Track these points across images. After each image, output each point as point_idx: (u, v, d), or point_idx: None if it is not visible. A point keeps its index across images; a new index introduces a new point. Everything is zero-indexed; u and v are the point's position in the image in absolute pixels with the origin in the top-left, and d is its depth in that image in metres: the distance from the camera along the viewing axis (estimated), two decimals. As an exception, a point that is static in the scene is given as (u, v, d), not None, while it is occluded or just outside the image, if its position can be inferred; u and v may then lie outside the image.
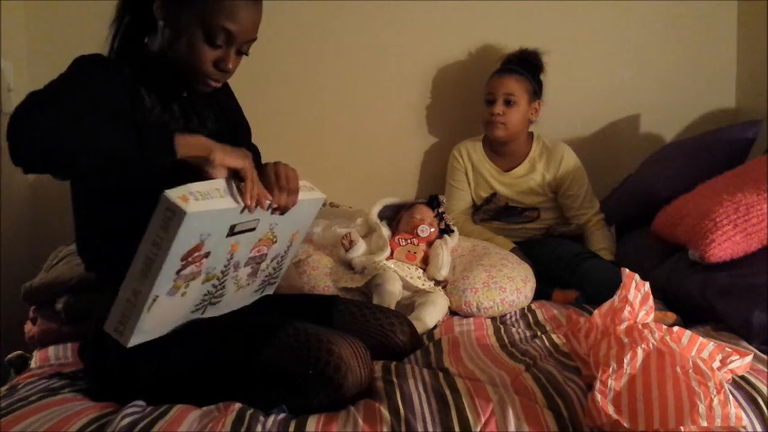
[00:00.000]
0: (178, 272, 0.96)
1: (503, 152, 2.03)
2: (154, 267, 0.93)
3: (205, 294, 1.07)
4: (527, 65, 1.96)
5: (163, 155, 0.96)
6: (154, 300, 0.96)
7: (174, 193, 0.90)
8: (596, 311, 1.13)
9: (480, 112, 2.00)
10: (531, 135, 2.03)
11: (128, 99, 1.09)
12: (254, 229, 1.05)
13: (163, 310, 1.00)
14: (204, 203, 0.93)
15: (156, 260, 0.93)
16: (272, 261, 1.19)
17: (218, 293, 1.10)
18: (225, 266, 1.06)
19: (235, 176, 1.00)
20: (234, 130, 1.32)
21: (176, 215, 0.89)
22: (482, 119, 1.99)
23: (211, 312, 1.13)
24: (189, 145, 0.98)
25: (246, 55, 1.15)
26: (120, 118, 0.99)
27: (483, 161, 2.03)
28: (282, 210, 1.07)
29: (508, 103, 1.93)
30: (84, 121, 0.93)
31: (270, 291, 1.28)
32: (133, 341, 0.99)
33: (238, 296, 1.17)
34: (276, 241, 1.14)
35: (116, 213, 1.10)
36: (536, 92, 1.98)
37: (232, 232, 1.00)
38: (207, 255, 0.99)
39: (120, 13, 1.15)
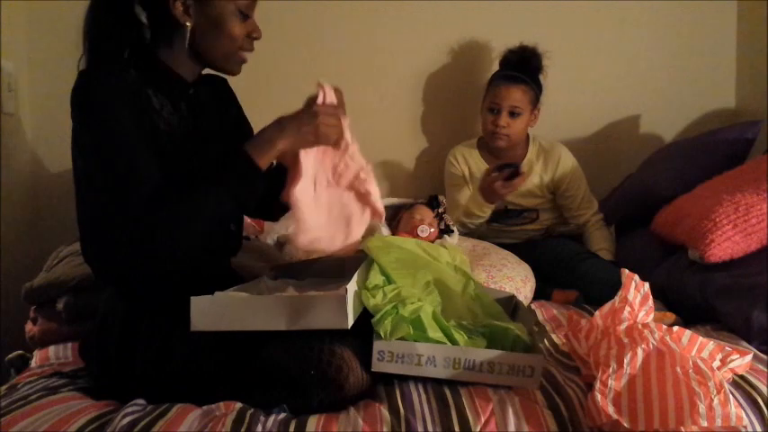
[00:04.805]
0: None
1: (500, 156, 2.02)
2: None
3: None
4: (528, 67, 1.95)
5: (253, 183, 1.08)
6: None
7: None
8: (597, 312, 1.13)
9: (483, 119, 1.98)
10: (527, 137, 2.03)
11: (137, 107, 1.09)
12: None
13: None
14: None
15: None
16: None
17: None
18: None
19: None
20: (235, 127, 1.33)
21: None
22: (484, 127, 1.97)
23: None
24: (268, 157, 1.09)
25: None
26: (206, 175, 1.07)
27: (480, 165, 2.02)
28: None
29: (512, 114, 1.92)
30: (183, 221, 1.04)
31: None
32: None
33: None
34: None
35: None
36: (537, 98, 1.97)
37: None
38: None
39: (109, 20, 1.12)
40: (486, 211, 1.86)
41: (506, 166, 1.77)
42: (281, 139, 1.09)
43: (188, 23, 1.11)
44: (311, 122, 1.10)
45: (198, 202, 1.04)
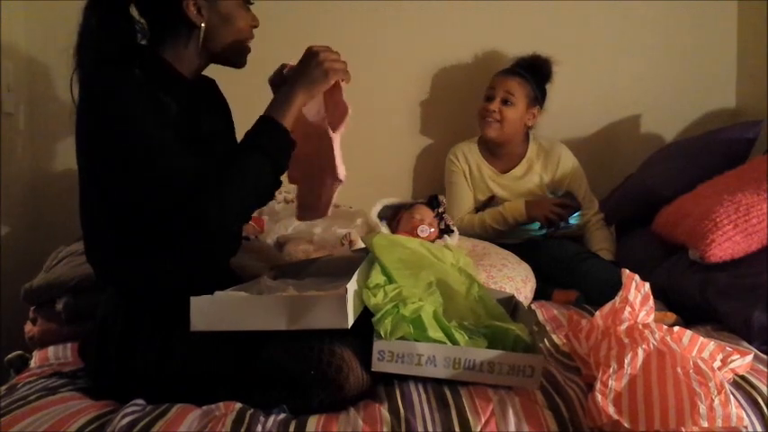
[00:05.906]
0: None
1: (499, 153, 2.03)
2: None
3: None
4: (535, 70, 1.96)
5: (286, 144, 1.10)
6: None
7: None
8: (598, 313, 1.13)
9: (478, 107, 2.00)
10: (526, 135, 2.04)
11: (153, 106, 1.09)
12: None
13: None
14: None
15: None
16: None
17: None
18: None
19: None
20: (228, 126, 1.34)
21: None
22: (478, 115, 2.00)
23: None
24: (291, 115, 1.10)
25: None
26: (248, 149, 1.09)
27: (480, 163, 2.03)
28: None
29: (505, 102, 1.93)
30: (237, 191, 1.05)
31: None
32: None
33: None
34: None
35: (129, 226, 1.10)
36: (537, 98, 1.97)
37: None
38: None
39: (106, 20, 1.13)
40: (507, 225, 1.93)
41: (569, 197, 1.92)
42: (295, 93, 1.11)
43: (202, 24, 1.13)
44: (316, 63, 1.11)
45: (241, 168, 1.05)
